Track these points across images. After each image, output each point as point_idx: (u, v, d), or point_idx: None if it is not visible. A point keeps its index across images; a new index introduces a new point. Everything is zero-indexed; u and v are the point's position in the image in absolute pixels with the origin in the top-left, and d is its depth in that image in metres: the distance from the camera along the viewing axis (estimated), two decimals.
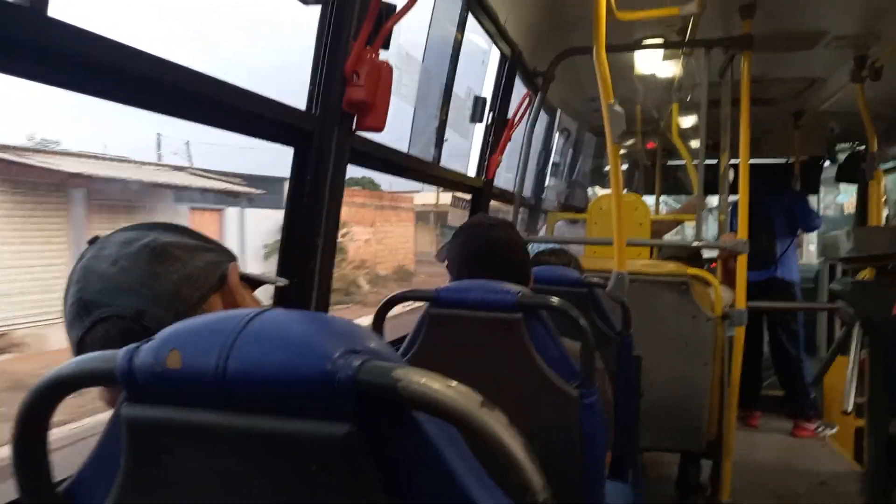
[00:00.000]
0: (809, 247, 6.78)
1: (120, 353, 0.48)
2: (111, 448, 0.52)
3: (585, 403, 1.11)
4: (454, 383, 0.45)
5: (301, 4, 1.42)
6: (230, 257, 0.81)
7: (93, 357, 0.50)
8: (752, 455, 3.40)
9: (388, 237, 17.40)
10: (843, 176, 4.83)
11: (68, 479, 0.55)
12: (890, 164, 4.02)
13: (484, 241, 1.36)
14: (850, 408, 2.08)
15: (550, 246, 2.23)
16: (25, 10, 0.78)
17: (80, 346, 0.71)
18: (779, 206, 3.98)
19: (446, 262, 1.41)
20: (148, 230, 0.77)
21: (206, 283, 0.75)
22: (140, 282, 0.71)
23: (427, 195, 24.27)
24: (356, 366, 0.44)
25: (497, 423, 0.44)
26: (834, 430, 3.74)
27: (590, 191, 5.02)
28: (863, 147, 3.77)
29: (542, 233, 3.82)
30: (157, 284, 0.71)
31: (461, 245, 1.38)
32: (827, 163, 5.08)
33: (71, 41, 0.83)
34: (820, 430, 3.78)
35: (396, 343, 1.27)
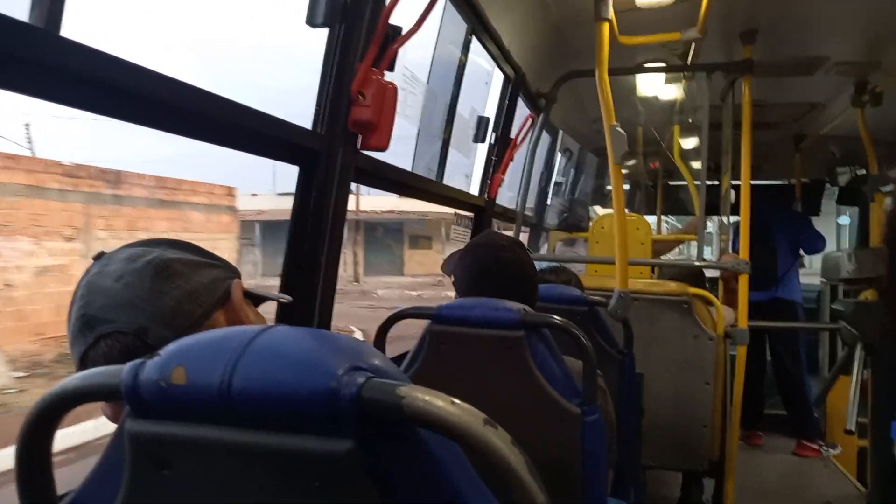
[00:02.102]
0: None
1: (125, 369, 0.48)
2: (114, 462, 0.52)
3: (587, 422, 1.11)
4: (458, 401, 0.45)
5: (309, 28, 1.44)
6: (234, 273, 0.81)
7: (98, 372, 0.51)
8: (755, 475, 3.38)
9: None
10: (845, 199, 4.84)
11: (71, 492, 0.55)
12: (890, 188, 4.05)
13: (494, 261, 1.36)
14: (852, 427, 2.08)
15: (551, 264, 2.24)
16: (38, 31, 0.80)
17: (82, 362, 0.72)
18: (781, 227, 3.99)
19: (452, 279, 1.41)
20: (153, 246, 0.78)
21: (209, 299, 0.76)
22: (143, 298, 0.71)
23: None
24: (360, 383, 0.45)
25: (501, 442, 0.44)
26: (837, 451, 3.72)
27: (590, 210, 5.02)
28: (863, 171, 3.79)
29: (543, 251, 3.83)
30: (160, 301, 0.72)
31: (471, 263, 1.38)
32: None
33: (82, 60, 0.85)
34: (823, 450, 3.76)
35: (398, 360, 1.27)
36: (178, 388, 0.46)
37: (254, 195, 19.64)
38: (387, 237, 22.69)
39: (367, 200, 20.49)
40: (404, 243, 23.46)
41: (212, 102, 1.09)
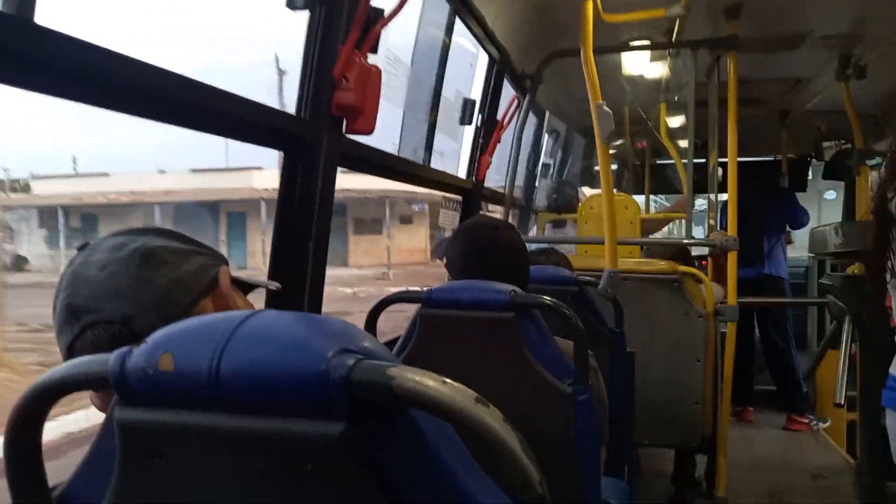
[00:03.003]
0: None
1: (112, 357, 0.48)
2: (105, 452, 0.51)
3: (579, 401, 1.11)
4: (449, 381, 0.45)
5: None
6: (221, 261, 0.81)
7: (85, 361, 0.50)
8: (747, 450, 3.43)
9: None
10: (831, 173, 4.87)
11: (62, 483, 0.55)
12: (876, 161, 4.07)
13: (485, 242, 1.36)
14: (841, 400, 2.11)
15: (541, 246, 2.24)
16: (12, 18, 0.78)
17: (69, 352, 0.71)
18: (767, 204, 4.02)
19: (444, 261, 1.42)
20: (138, 235, 0.77)
21: (196, 287, 0.75)
22: (129, 287, 0.71)
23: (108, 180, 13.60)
24: (350, 365, 0.44)
25: (492, 419, 0.44)
26: (827, 424, 3.78)
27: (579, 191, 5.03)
28: (849, 145, 3.81)
29: (532, 233, 3.83)
30: (146, 289, 0.71)
31: (461, 245, 1.38)
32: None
33: (58, 48, 0.83)
34: (813, 423, 3.82)
35: (389, 344, 1.27)
36: (166, 375, 0.46)
37: (162, 172, 16.54)
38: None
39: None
40: (348, 228, 19.79)
41: (194, 89, 1.08)
